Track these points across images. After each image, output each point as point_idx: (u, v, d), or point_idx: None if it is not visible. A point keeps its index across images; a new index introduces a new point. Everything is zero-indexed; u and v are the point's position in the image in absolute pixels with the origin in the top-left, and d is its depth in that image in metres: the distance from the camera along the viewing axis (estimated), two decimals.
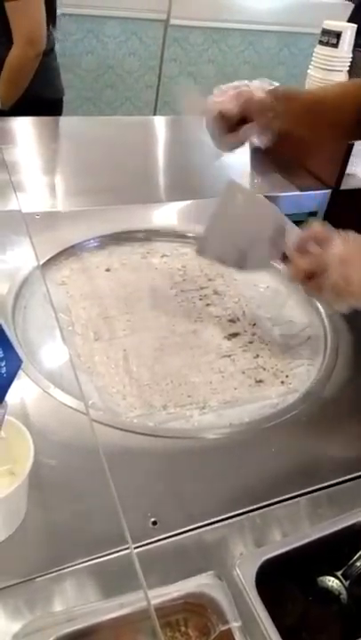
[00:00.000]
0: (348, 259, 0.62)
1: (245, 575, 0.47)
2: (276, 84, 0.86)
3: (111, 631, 0.43)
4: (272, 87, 0.79)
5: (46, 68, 1.41)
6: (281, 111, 0.74)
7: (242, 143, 0.76)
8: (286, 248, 0.68)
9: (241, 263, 0.73)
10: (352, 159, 1.21)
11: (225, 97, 0.74)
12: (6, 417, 0.45)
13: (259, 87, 0.75)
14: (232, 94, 0.74)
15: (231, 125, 0.74)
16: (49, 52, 1.31)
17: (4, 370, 0.36)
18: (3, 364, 0.36)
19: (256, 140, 0.75)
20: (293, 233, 0.72)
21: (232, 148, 0.77)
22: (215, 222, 0.72)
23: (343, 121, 0.82)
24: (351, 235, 0.65)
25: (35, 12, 1.23)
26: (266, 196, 1.08)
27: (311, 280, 0.65)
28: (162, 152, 1.34)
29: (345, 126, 0.84)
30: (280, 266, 0.75)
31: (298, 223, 1.05)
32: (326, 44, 1.28)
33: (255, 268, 0.77)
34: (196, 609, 0.45)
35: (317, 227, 0.67)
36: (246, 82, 0.77)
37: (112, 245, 0.92)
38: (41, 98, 1.42)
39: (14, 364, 0.36)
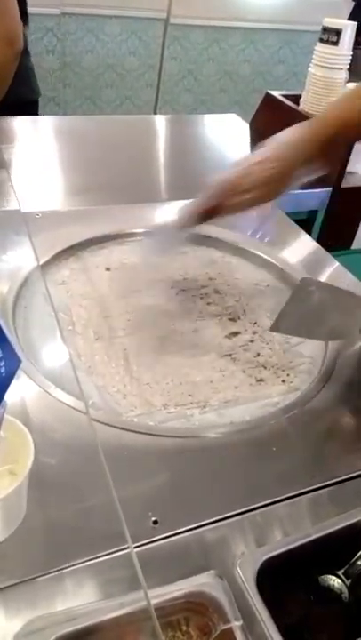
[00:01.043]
0: None
1: (246, 574, 0.47)
2: None
3: (112, 631, 0.43)
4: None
5: (22, 68, 1.39)
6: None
7: None
8: None
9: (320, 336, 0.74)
10: (353, 157, 1.21)
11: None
12: (6, 416, 0.45)
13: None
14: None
15: None
16: (23, 52, 1.29)
17: (2, 369, 0.36)
18: (2, 363, 0.35)
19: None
20: None
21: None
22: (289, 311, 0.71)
23: None
24: None
25: (10, 10, 1.22)
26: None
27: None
28: (162, 151, 1.34)
29: None
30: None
31: (298, 222, 1.05)
32: (327, 41, 1.28)
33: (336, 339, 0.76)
34: (198, 608, 0.45)
35: None
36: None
37: (112, 245, 0.91)
38: (17, 99, 1.40)
39: (13, 364, 0.36)
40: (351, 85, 1.28)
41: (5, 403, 0.41)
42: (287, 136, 0.74)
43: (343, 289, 0.72)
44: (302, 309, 0.70)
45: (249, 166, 0.73)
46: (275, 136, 0.75)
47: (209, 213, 0.76)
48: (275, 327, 0.71)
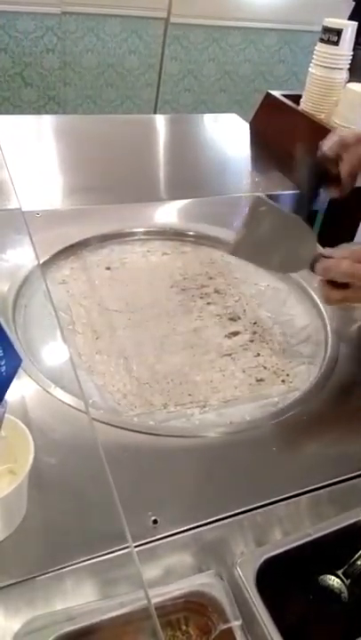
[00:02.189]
0: None
1: (246, 574, 0.47)
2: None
3: (111, 630, 0.43)
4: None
5: None
6: None
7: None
8: (316, 254, 0.68)
9: (272, 267, 0.78)
10: None
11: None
12: (6, 415, 0.45)
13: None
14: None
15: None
16: None
17: (3, 369, 0.36)
18: (2, 362, 0.35)
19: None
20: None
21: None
22: (245, 229, 0.73)
23: None
24: None
25: None
26: (267, 195, 1.09)
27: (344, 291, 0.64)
28: (162, 151, 1.34)
29: None
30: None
31: None
32: (327, 41, 1.27)
33: (286, 272, 0.81)
34: (197, 608, 0.45)
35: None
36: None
37: (112, 244, 0.91)
38: None
39: (14, 363, 0.36)
40: (352, 86, 1.28)
41: (6, 402, 0.41)
42: None
43: (293, 215, 0.72)
44: (256, 236, 0.71)
45: None
46: None
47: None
48: (234, 251, 0.74)
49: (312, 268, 0.66)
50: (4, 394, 0.39)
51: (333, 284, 0.65)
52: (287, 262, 0.72)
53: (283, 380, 0.70)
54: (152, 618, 0.37)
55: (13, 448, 0.47)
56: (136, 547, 0.47)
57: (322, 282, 0.67)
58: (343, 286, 0.65)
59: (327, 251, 0.68)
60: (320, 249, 0.71)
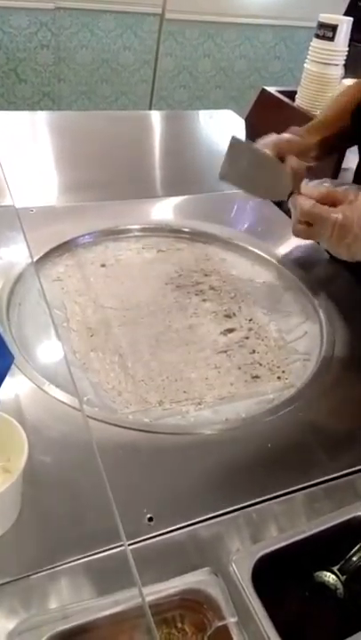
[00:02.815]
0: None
1: (242, 571, 0.46)
2: None
3: (106, 628, 0.43)
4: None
5: None
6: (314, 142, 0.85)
7: None
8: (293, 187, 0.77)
9: (257, 193, 0.84)
10: (348, 154, 1.20)
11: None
12: (0, 413, 0.44)
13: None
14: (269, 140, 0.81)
15: None
16: None
17: None
18: None
19: None
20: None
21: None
22: (233, 155, 0.80)
23: None
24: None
25: None
26: None
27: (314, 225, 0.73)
28: (157, 147, 1.34)
29: None
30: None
31: None
32: (323, 37, 1.27)
33: (269, 198, 0.90)
34: (193, 605, 0.45)
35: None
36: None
37: (107, 241, 0.91)
38: None
39: (6, 361, 0.36)
40: (347, 82, 1.27)
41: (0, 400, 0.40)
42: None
43: (268, 155, 0.79)
44: (240, 167, 0.79)
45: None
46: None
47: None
48: (223, 174, 0.80)
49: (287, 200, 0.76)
50: None
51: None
52: (270, 190, 0.81)
53: (278, 377, 0.70)
54: (146, 615, 0.37)
55: (7, 446, 0.47)
56: (131, 544, 0.47)
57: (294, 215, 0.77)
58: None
59: (305, 187, 0.76)
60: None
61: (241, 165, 0.79)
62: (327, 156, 0.90)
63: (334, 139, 0.88)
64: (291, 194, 0.77)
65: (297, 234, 0.78)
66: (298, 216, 0.75)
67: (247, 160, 0.79)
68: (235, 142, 0.79)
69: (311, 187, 0.78)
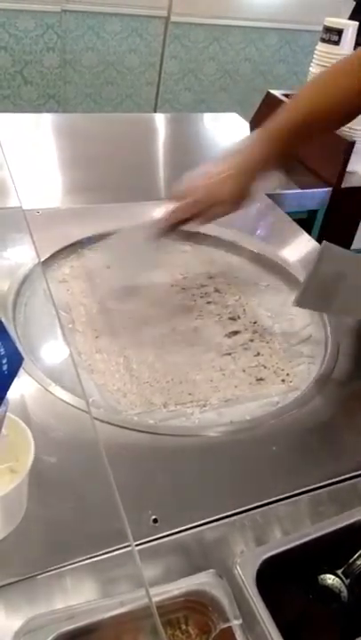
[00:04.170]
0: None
1: (246, 573, 0.47)
2: None
3: (111, 629, 0.43)
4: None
5: None
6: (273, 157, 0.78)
7: None
8: None
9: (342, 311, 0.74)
10: (353, 157, 1.20)
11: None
12: (7, 414, 0.45)
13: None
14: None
15: None
16: None
17: (5, 367, 0.36)
18: (4, 361, 0.35)
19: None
20: None
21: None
22: (313, 278, 0.69)
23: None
24: None
25: None
26: (267, 195, 1.09)
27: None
28: (162, 150, 1.34)
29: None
30: None
31: (299, 221, 1.05)
32: (328, 41, 1.27)
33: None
34: (197, 607, 0.45)
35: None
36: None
37: (113, 243, 0.91)
38: None
39: (16, 362, 0.36)
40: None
41: (7, 401, 0.41)
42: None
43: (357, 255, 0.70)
44: (322, 281, 0.68)
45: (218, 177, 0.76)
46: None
47: (180, 224, 0.80)
48: (299, 303, 0.71)
49: None
50: (5, 392, 0.39)
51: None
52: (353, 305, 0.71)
53: (283, 380, 0.70)
54: (154, 616, 0.37)
55: (14, 447, 0.47)
56: (136, 545, 0.47)
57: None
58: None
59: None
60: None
61: (328, 283, 0.68)
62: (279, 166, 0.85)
63: (290, 149, 0.82)
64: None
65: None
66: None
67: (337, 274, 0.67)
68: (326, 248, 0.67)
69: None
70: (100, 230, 0.91)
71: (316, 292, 0.69)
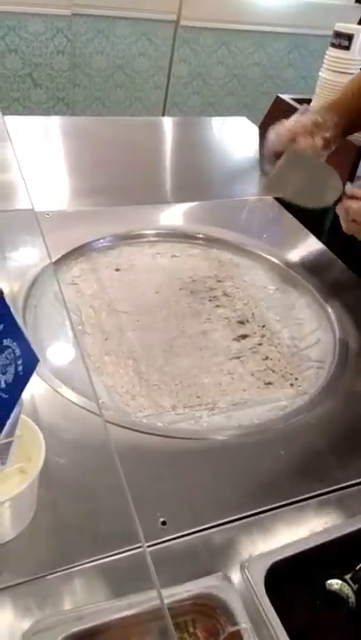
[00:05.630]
0: None
1: (254, 577, 0.47)
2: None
3: (120, 631, 0.43)
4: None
5: None
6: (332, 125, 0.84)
7: None
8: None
9: (305, 202, 0.82)
10: None
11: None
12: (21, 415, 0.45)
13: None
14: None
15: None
16: None
17: (20, 368, 0.36)
18: (19, 362, 0.36)
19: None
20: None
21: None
22: (281, 169, 0.80)
23: None
24: None
25: None
26: (274, 198, 1.09)
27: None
28: (171, 153, 1.34)
29: None
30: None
31: (310, 221, 1.05)
32: (338, 46, 1.28)
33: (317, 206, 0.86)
34: (205, 610, 0.45)
35: None
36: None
37: (122, 245, 0.92)
38: None
39: (31, 363, 0.37)
40: None
41: (22, 401, 0.41)
42: None
43: (323, 163, 0.81)
44: (289, 177, 0.80)
45: None
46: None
47: None
48: (266, 191, 0.87)
49: (335, 205, 0.77)
50: (20, 393, 0.39)
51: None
52: (318, 198, 0.79)
53: (291, 384, 0.70)
54: (165, 618, 0.37)
55: (25, 447, 0.47)
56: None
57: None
58: None
59: (348, 190, 0.77)
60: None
61: (291, 175, 0.79)
62: (344, 138, 0.88)
63: (354, 117, 0.87)
64: (339, 200, 0.78)
65: (351, 232, 0.79)
66: (350, 218, 0.77)
67: (299, 169, 0.79)
68: (292, 152, 0.79)
69: (354, 189, 0.78)
70: (110, 233, 0.91)
71: (278, 182, 0.81)
